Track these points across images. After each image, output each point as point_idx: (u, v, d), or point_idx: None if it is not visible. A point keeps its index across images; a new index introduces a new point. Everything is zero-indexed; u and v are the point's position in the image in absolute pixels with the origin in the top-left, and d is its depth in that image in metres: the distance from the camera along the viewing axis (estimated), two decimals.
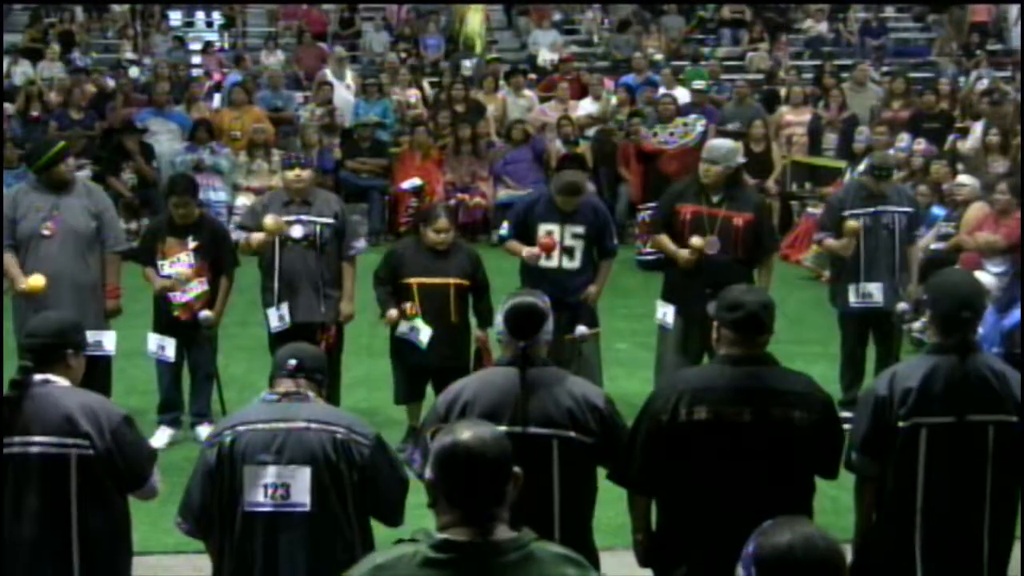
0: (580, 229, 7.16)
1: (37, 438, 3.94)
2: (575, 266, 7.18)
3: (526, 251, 7.13)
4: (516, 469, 2.74)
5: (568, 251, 7.16)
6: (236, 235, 7.27)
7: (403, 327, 6.76)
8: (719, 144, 7.40)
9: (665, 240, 7.22)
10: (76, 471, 3.95)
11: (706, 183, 7.06)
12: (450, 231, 6.90)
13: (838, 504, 4.51)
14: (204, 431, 6.88)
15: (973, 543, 4.14)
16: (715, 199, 7.04)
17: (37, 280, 6.43)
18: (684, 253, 6.98)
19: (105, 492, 4.05)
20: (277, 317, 6.90)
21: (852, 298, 7.57)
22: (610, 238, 7.41)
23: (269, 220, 6.81)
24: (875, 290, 7.51)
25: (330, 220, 7.00)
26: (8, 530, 3.98)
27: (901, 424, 4.08)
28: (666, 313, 7.25)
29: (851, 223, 7.47)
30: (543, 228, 7.14)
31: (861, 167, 12.08)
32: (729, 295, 4.12)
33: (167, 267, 6.94)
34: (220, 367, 6.67)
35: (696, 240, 6.91)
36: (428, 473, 2.73)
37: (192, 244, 6.93)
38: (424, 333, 6.68)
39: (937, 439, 4.08)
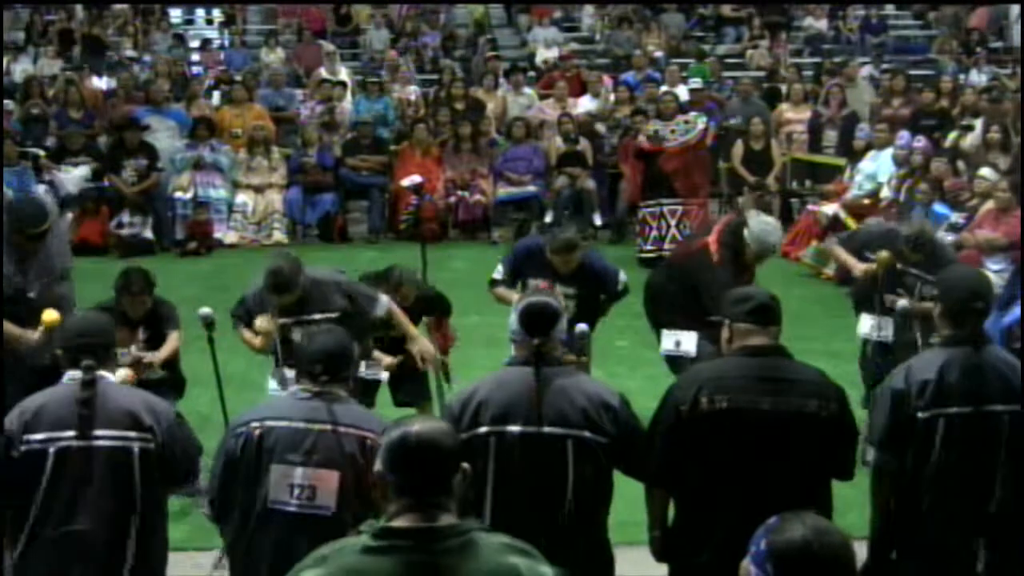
0: (571, 291, 6.70)
1: (101, 432, 4.00)
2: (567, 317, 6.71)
3: (517, 298, 6.75)
4: (465, 465, 2.76)
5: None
6: (235, 326, 6.47)
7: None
8: (773, 242, 6.84)
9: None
10: (139, 465, 4.01)
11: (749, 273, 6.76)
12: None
13: (843, 501, 4.51)
14: None
15: (982, 529, 4.19)
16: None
17: (51, 315, 5.93)
18: None
19: (159, 487, 4.13)
20: (278, 380, 6.23)
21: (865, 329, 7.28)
22: (614, 286, 6.90)
23: (261, 323, 6.17)
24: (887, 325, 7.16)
25: (334, 314, 6.01)
26: (65, 524, 4.01)
27: (920, 416, 4.14)
28: (680, 341, 6.92)
29: (884, 255, 6.94)
30: (533, 284, 6.72)
31: (863, 164, 12.13)
32: (736, 292, 4.26)
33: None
34: (220, 365, 6.64)
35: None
36: (377, 466, 2.75)
37: (143, 336, 6.56)
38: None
39: (954, 429, 4.13)
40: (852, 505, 4.42)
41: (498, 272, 6.92)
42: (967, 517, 4.17)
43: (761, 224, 6.79)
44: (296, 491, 3.87)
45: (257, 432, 3.91)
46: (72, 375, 4.10)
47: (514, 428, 3.98)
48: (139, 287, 6.52)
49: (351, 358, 4.11)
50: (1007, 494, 4.17)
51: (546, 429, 3.97)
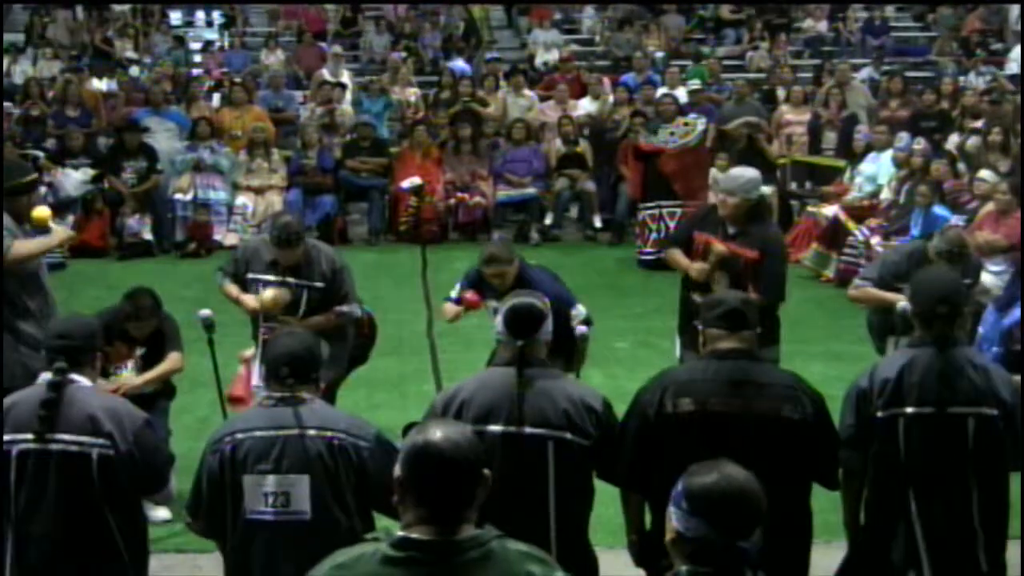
0: None
1: (60, 436, 3.97)
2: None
3: (448, 310, 6.62)
4: (486, 471, 2.73)
5: None
6: (219, 279, 6.61)
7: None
8: (735, 175, 6.61)
9: (677, 255, 6.61)
10: (98, 471, 3.98)
11: (723, 215, 6.44)
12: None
13: (837, 504, 4.51)
14: (159, 513, 5.90)
15: (967, 533, 4.17)
16: (732, 231, 6.37)
17: (42, 211, 5.96)
18: (696, 266, 6.40)
19: (127, 494, 4.08)
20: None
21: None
22: (569, 306, 6.11)
23: (268, 297, 6.27)
24: None
25: (319, 284, 6.32)
26: (24, 527, 4.00)
27: (879, 414, 4.16)
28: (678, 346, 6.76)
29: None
30: (490, 304, 6.49)
31: (863, 166, 12.12)
32: (709, 299, 4.28)
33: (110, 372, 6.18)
34: (220, 367, 6.65)
35: (718, 247, 6.34)
36: (397, 471, 2.72)
37: (139, 352, 6.32)
38: None
39: (915, 430, 4.14)
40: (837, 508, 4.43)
41: (457, 288, 6.62)
42: (948, 517, 4.17)
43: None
44: (270, 499, 3.88)
45: (229, 447, 3.92)
46: (46, 377, 4.08)
47: (495, 428, 3.99)
48: (148, 312, 6.24)
49: (317, 360, 4.11)
50: (984, 495, 4.16)
51: (527, 430, 3.98)
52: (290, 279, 6.32)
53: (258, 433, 3.91)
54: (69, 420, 3.99)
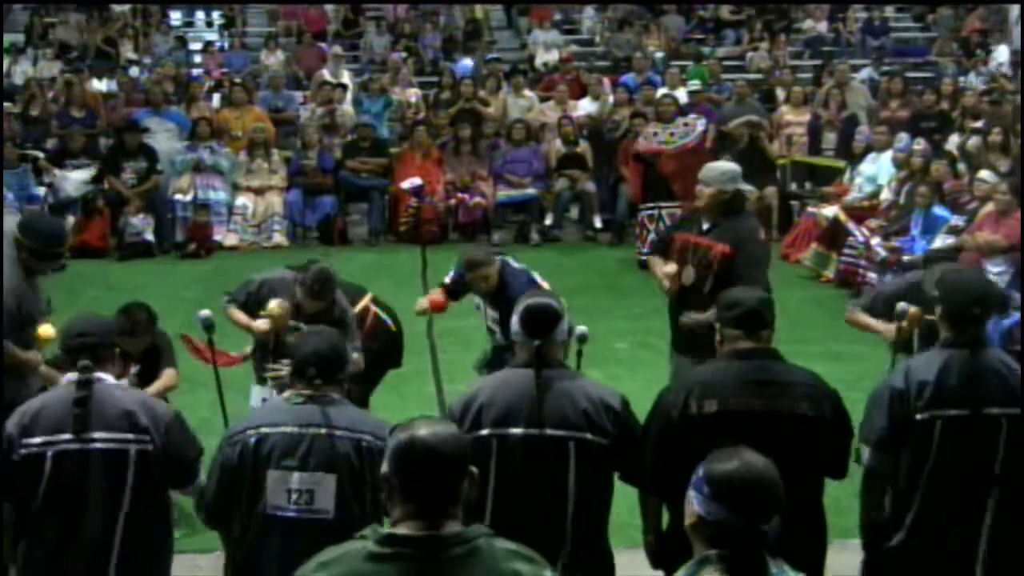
0: (496, 314, 6.41)
1: (98, 434, 3.98)
2: (504, 343, 6.28)
3: (420, 304, 6.75)
4: (472, 468, 2.75)
5: (490, 331, 6.54)
6: (224, 304, 6.42)
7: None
8: (713, 165, 6.51)
9: (653, 262, 6.55)
10: (134, 467, 4.00)
11: (698, 206, 6.32)
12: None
13: (839, 504, 4.52)
14: None
15: (973, 533, 4.16)
16: (706, 226, 6.21)
17: (47, 331, 5.75)
18: (664, 283, 6.31)
19: (158, 488, 4.11)
20: (260, 399, 6.27)
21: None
22: None
23: (275, 306, 6.15)
24: None
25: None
26: (65, 527, 4.00)
27: (918, 416, 4.13)
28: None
29: (914, 311, 5.92)
30: (476, 300, 6.64)
31: (863, 166, 12.12)
32: (727, 296, 4.25)
33: None
34: (220, 368, 6.65)
35: (671, 269, 6.25)
36: (384, 468, 2.74)
37: (134, 369, 6.15)
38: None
39: (951, 432, 4.13)
40: (850, 508, 4.42)
41: (448, 277, 6.76)
42: (963, 518, 4.16)
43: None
44: (294, 496, 3.88)
45: (253, 440, 3.92)
46: (71, 377, 4.09)
47: (516, 430, 4.00)
48: (143, 328, 6.11)
49: (344, 359, 4.12)
50: (1005, 495, 4.15)
51: (548, 431, 3.99)
52: (303, 325, 6.03)
53: (285, 429, 3.90)
54: (103, 417, 4.00)
